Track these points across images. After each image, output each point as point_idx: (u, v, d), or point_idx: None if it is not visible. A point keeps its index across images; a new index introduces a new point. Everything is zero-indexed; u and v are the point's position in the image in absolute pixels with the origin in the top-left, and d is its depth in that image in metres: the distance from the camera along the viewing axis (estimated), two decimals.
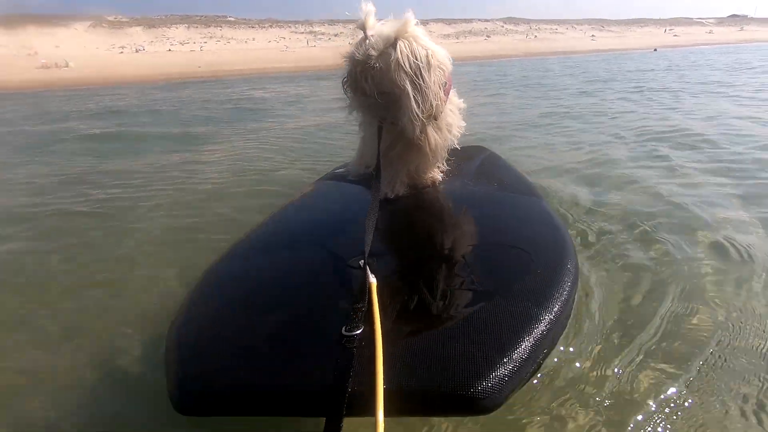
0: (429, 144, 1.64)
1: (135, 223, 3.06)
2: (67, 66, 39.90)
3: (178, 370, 1.05)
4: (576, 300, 1.19)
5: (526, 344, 0.93)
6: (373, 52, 1.38)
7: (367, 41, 1.39)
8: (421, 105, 1.42)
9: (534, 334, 0.95)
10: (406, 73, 1.38)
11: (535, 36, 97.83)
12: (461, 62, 36.93)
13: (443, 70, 1.47)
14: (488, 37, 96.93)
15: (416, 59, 1.39)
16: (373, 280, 1.17)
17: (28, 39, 70.25)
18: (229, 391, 0.96)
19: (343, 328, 1.02)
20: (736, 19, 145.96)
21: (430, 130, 1.60)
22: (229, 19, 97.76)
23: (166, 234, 2.87)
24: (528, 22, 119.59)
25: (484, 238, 1.44)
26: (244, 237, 1.78)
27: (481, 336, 0.96)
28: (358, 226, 1.41)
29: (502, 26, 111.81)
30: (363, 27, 1.42)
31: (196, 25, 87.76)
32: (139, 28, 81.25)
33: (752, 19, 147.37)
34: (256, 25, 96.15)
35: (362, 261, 1.23)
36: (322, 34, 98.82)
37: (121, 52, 61.83)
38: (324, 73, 25.23)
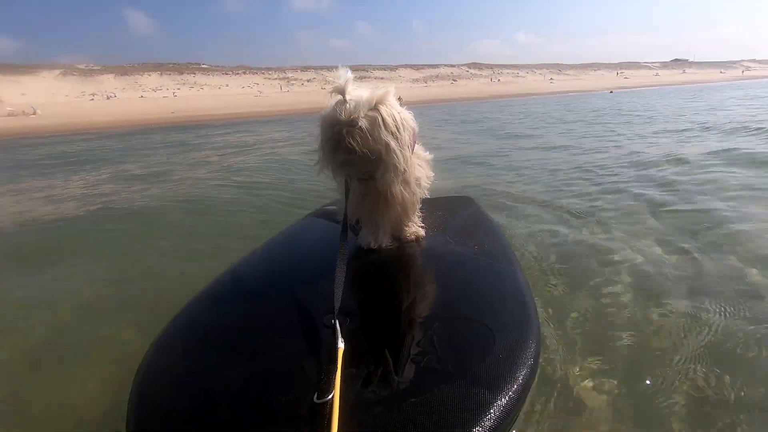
0: (397, 200, 1.73)
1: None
2: (34, 113, 39.37)
3: (134, 417, 1.07)
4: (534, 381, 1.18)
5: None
6: (359, 114, 1.49)
7: (347, 105, 1.50)
8: (400, 161, 1.57)
9: (484, 423, 0.96)
10: (390, 132, 1.53)
11: (499, 80, 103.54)
12: (430, 104, 38.52)
13: (412, 130, 1.63)
14: (454, 81, 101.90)
15: (394, 121, 1.55)
16: (341, 345, 1.17)
17: None
18: None
19: (315, 396, 1.02)
20: (678, 63, 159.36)
21: (398, 187, 1.70)
22: (203, 66, 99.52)
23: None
24: (491, 66, 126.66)
25: (454, 308, 1.44)
26: (219, 278, 1.80)
27: (432, 418, 0.97)
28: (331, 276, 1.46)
29: (467, 71, 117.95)
30: (342, 91, 1.53)
31: (168, 72, 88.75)
32: (110, 76, 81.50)
33: (692, 63, 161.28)
34: (230, 72, 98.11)
35: (333, 320, 1.25)
36: (295, 79, 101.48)
37: (92, 99, 61.56)
38: (298, 116, 25.87)
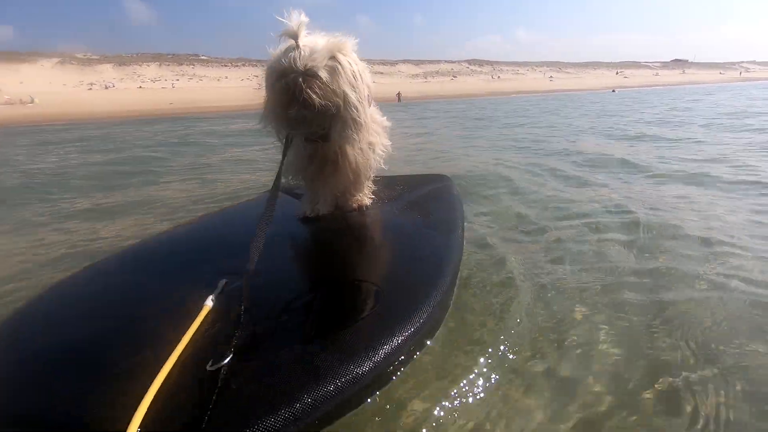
0: (349, 164, 1.56)
1: None
2: (32, 102, 39.29)
3: None
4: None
5: (306, 397, 0.86)
6: (318, 62, 1.30)
7: (301, 51, 1.30)
8: (360, 115, 1.40)
9: (313, 392, 0.87)
10: (349, 84, 1.36)
11: (498, 77, 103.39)
12: (430, 100, 38.55)
13: (369, 88, 1.45)
14: (454, 77, 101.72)
15: (353, 73, 1.38)
16: (209, 303, 1.12)
17: None
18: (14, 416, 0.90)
19: (209, 363, 0.93)
20: (678, 63, 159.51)
21: (349, 149, 1.53)
22: (202, 57, 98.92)
23: None
24: (491, 63, 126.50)
25: (358, 272, 1.38)
26: (122, 250, 1.75)
27: (263, 382, 0.91)
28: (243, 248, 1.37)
29: (467, 67, 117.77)
30: (295, 36, 1.33)
31: (167, 63, 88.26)
32: (109, 66, 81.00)
33: (692, 63, 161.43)
34: (229, 64, 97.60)
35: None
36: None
37: (90, 89, 61.30)
38: None
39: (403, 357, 1.02)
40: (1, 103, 38.01)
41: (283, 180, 1.53)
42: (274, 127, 1.47)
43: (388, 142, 1.71)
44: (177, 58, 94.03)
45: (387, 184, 2.06)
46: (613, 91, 44.77)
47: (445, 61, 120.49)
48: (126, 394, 0.88)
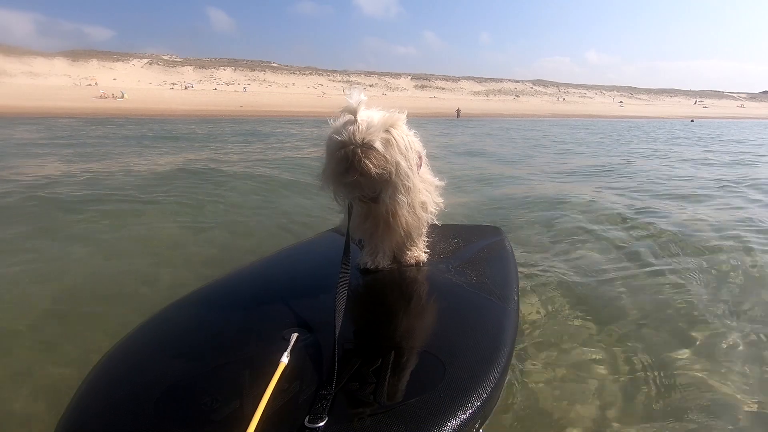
0: (400, 223, 1.71)
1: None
2: (122, 97, 43.56)
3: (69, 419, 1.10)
4: None
5: None
6: (374, 135, 1.51)
7: (359, 125, 1.51)
8: (410, 181, 1.60)
9: None
10: (401, 154, 1.55)
11: (564, 99, 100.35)
12: (490, 119, 38.12)
13: (418, 153, 1.65)
14: (517, 96, 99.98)
15: (405, 143, 1.57)
16: (284, 360, 1.18)
17: (90, 71, 76.81)
18: None
19: (306, 419, 0.99)
20: None
21: (400, 210, 1.68)
22: (273, 65, 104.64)
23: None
24: (557, 85, 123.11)
25: (417, 338, 1.45)
26: (204, 286, 1.84)
27: None
28: (306, 297, 1.56)
29: (531, 87, 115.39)
30: (354, 112, 1.52)
31: (242, 68, 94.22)
32: (190, 68, 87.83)
33: None
34: (297, 72, 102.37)
35: (291, 334, 1.28)
36: (358, 83, 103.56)
37: (172, 88, 66.71)
38: None
39: None
40: (96, 96, 42.47)
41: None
42: (332, 190, 1.64)
43: (439, 200, 1.83)
44: (250, 64, 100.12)
45: (443, 235, 2.12)
46: (692, 120, 42.07)
47: (509, 80, 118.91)
48: None
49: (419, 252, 1.90)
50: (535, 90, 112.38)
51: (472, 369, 1.22)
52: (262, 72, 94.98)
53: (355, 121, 1.51)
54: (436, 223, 1.87)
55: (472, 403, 1.10)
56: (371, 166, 1.49)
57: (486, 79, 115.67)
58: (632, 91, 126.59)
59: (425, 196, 1.74)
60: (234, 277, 1.93)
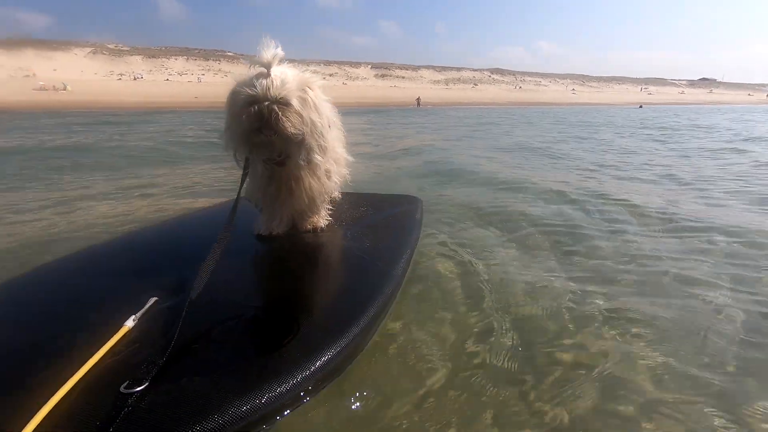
0: (304, 189, 1.63)
1: None
2: (65, 89, 40.84)
3: None
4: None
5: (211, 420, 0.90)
6: (289, 92, 1.39)
7: (272, 80, 1.38)
8: (323, 143, 1.52)
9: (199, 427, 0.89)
10: (317, 114, 1.47)
11: (520, 87, 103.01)
12: (449, 107, 38.80)
13: (329, 119, 1.57)
14: (476, 85, 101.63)
15: (320, 105, 1.50)
16: (129, 323, 1.14)
17: (27, 61, 71.39)
18: None
19: (125, 384, 0.94)
20: (705, 83, 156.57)
21: (304, 175, 1.60)
22: (228, 53, 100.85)
23: None
24: (514, 73, 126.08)
25: (285, 301, 1.41)
26: (78, 251, 1.79)
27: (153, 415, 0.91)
28: (183, 264, 1.51)
29: (490, 76, 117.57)
30: (268, 65, 1.40)
31: (195, 58, 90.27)
32: (138, 57, 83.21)
33: (720, 83, 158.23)
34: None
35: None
36: (317, 72, 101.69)
37: (119, 79, 63.23)
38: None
39: (302, 393, 1.04)
40: (36, 88, 39.60)
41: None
42: (236, 149, 1.52)
43: (345, 171, 1.81)
44: (204, 53, 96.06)
45: (354, 203, 2.12)
46: (640, 106, 44.33)
47: (468, 69, 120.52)
48: (24, 406, 0.89)
49: (318, 218, 1.83)
50: (493, 78, 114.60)
51: (326, 328, 1.20)
52: (217, 62, 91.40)
53: (269, 75, 1.39)
54: (335, 193, 1.84)
55: (317, 359, 1.07)
56: (288, 125, 1.39)
57: (445, 68, 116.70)
58: (584, 78, 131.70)
59: (330, 164, 1.67)
60: (118, 242, 1.89)
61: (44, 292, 1.46)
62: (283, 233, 1.77)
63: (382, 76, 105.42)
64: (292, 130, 1.41)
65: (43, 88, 39.74)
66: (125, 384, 0.94)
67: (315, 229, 1.83)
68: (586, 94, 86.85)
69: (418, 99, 43.30)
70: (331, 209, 1.92)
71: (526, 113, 26.49)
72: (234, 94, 1.45)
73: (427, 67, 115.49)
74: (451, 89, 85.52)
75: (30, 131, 10.72)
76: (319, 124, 1.48)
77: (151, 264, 1.60)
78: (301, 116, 1.43)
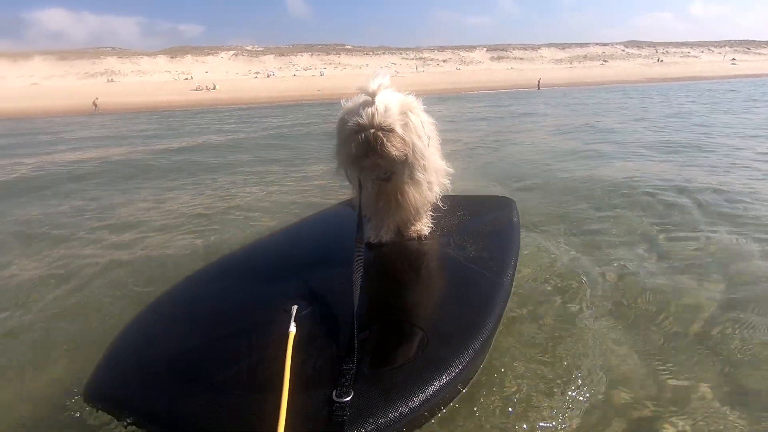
0: (409, 200, 1.78)
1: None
2: (214, 88, 47.69)
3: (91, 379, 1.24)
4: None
5: None
6: (392, 119, 1.53)
7: (377, 108, 1.52)
8: (424, 162, 1.67)
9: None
10: (417, 136, 1.60)
11: (661, 60, 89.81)
12: (572, 87, 35.63)
13: (429, 138, 1.70)
14: (605, 61, 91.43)
15: (422, 126, 1.62)
16: (293, 329, 1.22)
17: (186, 66, 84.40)
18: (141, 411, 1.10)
19: (333, 393, 1.02)
20: None
21: (408, 189, 1.75)
22: (347, 47, 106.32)
23: None
24: (654, 44, 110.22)
25: (408, 312, 1.50)
26: (217, 260, 1.99)
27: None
28: (316, 268, 1.70)
29: (623, 50, 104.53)
30: (373, 95, 1.53)
31: (318, 53, 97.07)
32: (271, 56, 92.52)
33: None
34: (371, 52, 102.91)
35: (291, 306, 1.34)
36: (431, 59, 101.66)
37: (256, 77, 71.10)
38: (433, 97, 26.52)
39: (438, 403, 1.11)
40: (193, 89, 46.89)
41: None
42: (347, 172, 1.71)
43: (446, 181, 1.91)
44: (325, 48, 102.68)
45: (451, 207, 2.14)
46: None
47: (596, 44, 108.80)
48: (257, 406, 1.02)
49: (422, 226, 1.96)
50: (627, 53, 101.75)
51: (451, 340, 1.26)
52: (337, 55, 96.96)
53: (373, 103, 1.52)
54: (438, 203, 1.93)
55: (447, 373, 1.13)
56: (392, 150, 1.53)
57: (569, 45, 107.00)
58: (749, 45, 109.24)
59: (432, 176, 1.80)
60: (240, 253, 2.06)
61: (198, 300, 1.65)
62: (390, 241, 1.92)
63: (498, 58, 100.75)
64: (396, 153, 1.54)
65: (198, 89, 46.86)
66: (335, 392, 1.02)
67: (419, 237, 1.95)
68: (751, 64, 72.17)
69: (539, 81, 40.75)
70: (433, 216, 2.05)
71: (671, 90, 23.12)
72: (342, 122, 1.60)
73: (548, 45, 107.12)
74: (575, 68, 78.34)
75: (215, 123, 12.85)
76: (419, 146, 1.61)
77: (271, 275, 1.75)
78: (403, 140, 1.56)
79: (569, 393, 1.38)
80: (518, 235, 2.14)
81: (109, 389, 1.20)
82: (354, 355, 1.12)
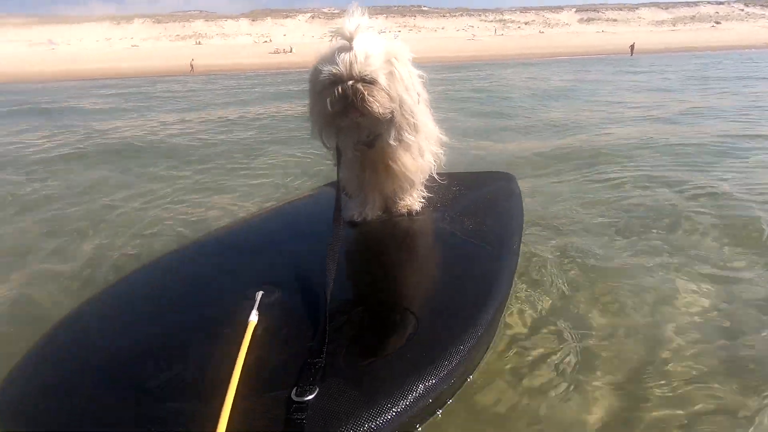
0: (404, 167, 1.50)
1: None
2: (291, 51, 48.88)
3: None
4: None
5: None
6: (375, 67, 1.26)
7: (355, 54, 1.24)
8: (414, 121, 1.39)
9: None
10: (405, 88, 1.32)
11: None
12: (674, 53, 31.47)
13: (419, 95, 1.41)
14: (717, 23, 79.97)
15: (409, 78, 1.34)
16: (254, 318, 1.06)
17: (266, 29, 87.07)
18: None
19: (293, 391, 0.86)
20: None
21: (402, 154, 1.48)
22: (423, 8, 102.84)
23: None
24: None
25: (399, 293, 1.31)
26: (184, 246, 1.75)
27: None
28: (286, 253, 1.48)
29: (742, 9, 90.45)
30: (350, 38, 1.26)
31: (393, 15, 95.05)
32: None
33: None
34: (447, 14, 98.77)
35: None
36: (512, 22, 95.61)
37: (331, 40, 71.69)
38: (510, 62, 25.09)
39: (431, 404, 0.95)
40: (271, 52, 48.41)
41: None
42: (321, 134, 1.43)
43: (439, 150, 1.65)
44: (401, 10, 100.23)
45: (443, 183, 1.93)
46: None
47: (708, 2, 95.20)
48: (198, 413, 0.85)
49: (412, 200, 1.69)
50: (747, 13, 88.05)
51: (448, 326, 1.09)
52: (413, 17, 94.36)
53: (351, 48, 1.25)
54: (432, 173, 1.70)
55: (441, 366, 0.97)
56: (375, 105, 1.26)
57: (674, 4, 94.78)
58: None
59: (424, 141, 1.54)
60: (210, 237, 1.83)
61: (147, 291, 1.43)
62: (377, 218, 1.66)
63: (588, 20, 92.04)
64: (379, 109, 1.27)
65: (276, 51, 48.30)
66: (295, 391, 0.86)
67: (409, 213, 1.68)
68: None
69: (632, 46, 36.86)
70: (423, 191, 1.76)
71: None
72: (315, 73, 1.34)
73: (649, 4, 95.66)
74: (679, 31, 69.58)
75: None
76: (408, 101, 1.34)
77: (246, 258, 1.54)
78: (389, 94, 1.29)
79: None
80: (521, 206, 1.93)
81: (20, 404, 0.97)
82: (323, 346, 0.96)
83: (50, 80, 23.05)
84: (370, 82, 1.26)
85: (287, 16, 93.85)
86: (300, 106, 7.47)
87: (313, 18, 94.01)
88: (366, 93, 1.25)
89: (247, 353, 0.95)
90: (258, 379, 0.92)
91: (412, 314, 1.13)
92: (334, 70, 1.25)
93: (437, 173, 1.74)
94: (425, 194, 1.73)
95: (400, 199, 1.67)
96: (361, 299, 1.28)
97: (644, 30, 73.38)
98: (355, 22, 1.28)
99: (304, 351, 0.98)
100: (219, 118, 6.84)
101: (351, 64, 1.24)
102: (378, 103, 1.27)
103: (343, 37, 1.28)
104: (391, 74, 1.30)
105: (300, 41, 66.89)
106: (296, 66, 30.53)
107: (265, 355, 0.99)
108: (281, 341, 1.05)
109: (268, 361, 0.98)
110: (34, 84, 20.39)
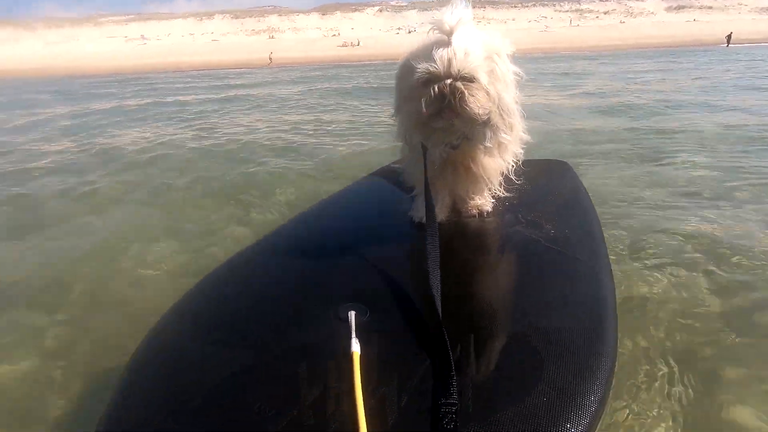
0: (483, 169, 1.41)
1: None
2: (358, 45, 49.96)
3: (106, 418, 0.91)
4: None
5: None
6: (475, 65, 1.16)
7: (454, 50, 1.14)
8: (513, 122, 1.29)
9: None
10: (505, 86, 1.23)
11: None
12: None
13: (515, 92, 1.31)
14: None
15: (509, 76, 1.25)
16: (356, 349, 0.92)
17: (335, 23, 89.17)
18: None
19: None
20: None
21: (482, 156, 1.37)
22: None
23: None
24: None
25: (503, 316, 1.14)
26: (240, 252, 1.55)
27: None
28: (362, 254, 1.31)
29: None
30: (449, 33, 1.16)
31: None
32: (413, 11, 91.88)
33: None
34: (519, 4, 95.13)
35: (348, 313, 1.01)
36: (590, 11, 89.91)
37: (397, 33, 71.87)
38: (589, 54, 23.77)
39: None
40: (339, 45, 49.73)
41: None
42: (409, 136, 1.33)
43: (520, 151, 1.50)
44: (472, 1, 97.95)
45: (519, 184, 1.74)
46: None
47: None
48: None
49: (484, 200, 1.57)
50: None
51: (577, 362, 0.94)
52: (482, 8, 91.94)
53: (450, 44, 1.15)
54: (511, 176, 1.56)
55: (584, 408, 0.84)
56: (474, 106, 1.16)
57: None
58: None
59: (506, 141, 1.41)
60: (274, 239, 1.64)
61: (229, 301, 1.28)
62: (445, 219, 1.53)
63: (678, 8, 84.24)
64: (479, 110, 1.17)
65: (344, 45, 49.51)
66: None
67: (480, 214, 1.57)
68: None
69: (729, 36, 33.36)
70: (493, 191, 1.61)
71: None
72: (406, 70, 1.24)
73: None
74: None
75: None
76: (507, 100, 1.24)
77: (322, 265, 1.37)
78: (488, 93, 1.19)
79: None
80: (590, 202, 1.77)
81: (131, 428, 0.89)
82: (452, 386, 0.84)
83: (146, 72, 25.69)
84: (471, 80, 1.17)
85: (356, 10, 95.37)
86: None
87: (381, 11, 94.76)
88: (466, 92, 1.16)
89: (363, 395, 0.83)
90: (383, 424, 0.79)
91: (531, 347, 0.98)
92: (431, 68, 1.16)
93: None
94: (498, 194, 1.61)
95: (470, 199, 1.57)
96: (463, 322, 1.08)
97: (744, 19, 65.94)
98: (457, 14, 1.17)
99: (426, 390, 0.85)
100: None
101: (450, 61, 1.15)
102: (477, 103, 1.17)
103: (442, 30, 1.18)
104: (492, 72, 1.21)
105: (367, 34, 67.91)
106: (365, 58, 31.22)
107: (380, 396, 0.85)
108: (395, 376, 0.90)
109: (387, 403, 0.84)
110: (134, 75, 22.88)
